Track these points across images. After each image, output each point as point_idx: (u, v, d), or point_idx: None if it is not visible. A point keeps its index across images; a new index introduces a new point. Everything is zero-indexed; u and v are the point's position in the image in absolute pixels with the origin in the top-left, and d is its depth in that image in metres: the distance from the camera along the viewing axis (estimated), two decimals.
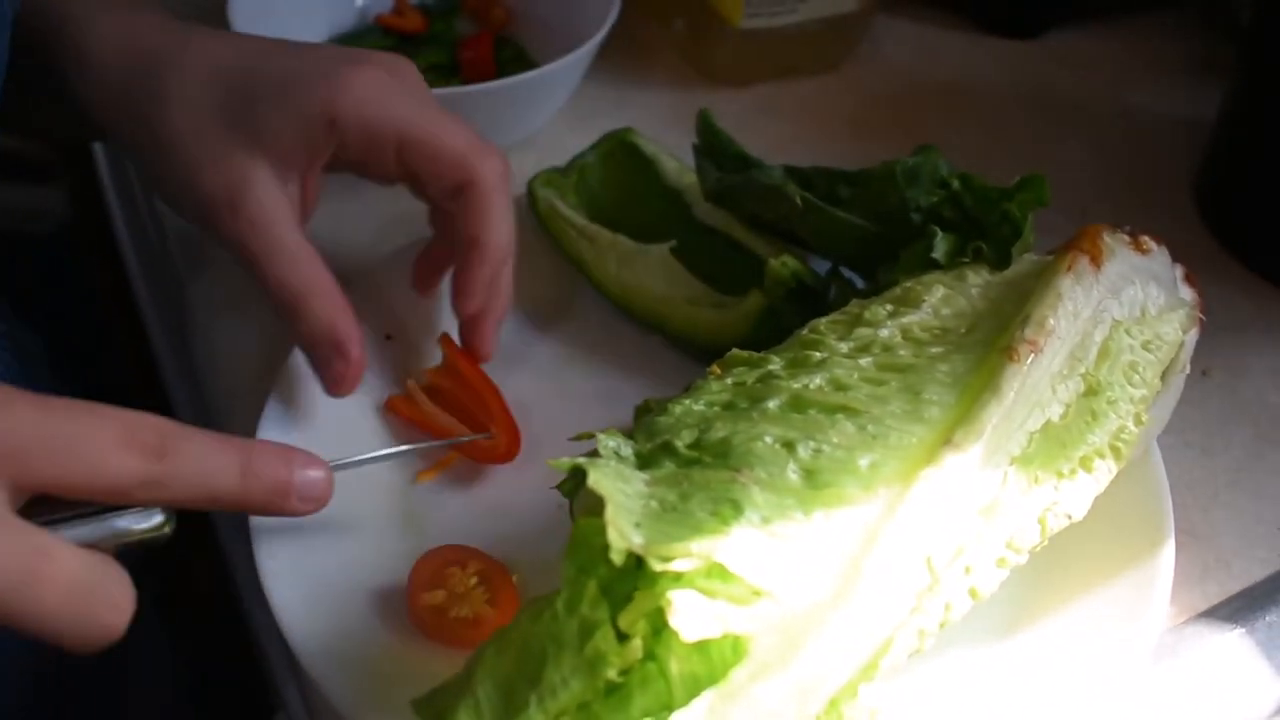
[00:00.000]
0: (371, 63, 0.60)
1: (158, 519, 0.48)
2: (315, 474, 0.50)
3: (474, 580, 0.55)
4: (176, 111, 0.58)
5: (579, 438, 0.49)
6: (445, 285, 0.67)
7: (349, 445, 0.60)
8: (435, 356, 0.67)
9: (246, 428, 0.62)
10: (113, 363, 1.10)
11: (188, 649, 0.85)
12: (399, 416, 0.64)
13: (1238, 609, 0.58)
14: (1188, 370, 0.57)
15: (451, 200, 0.61)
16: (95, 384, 0.69)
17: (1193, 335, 0.58)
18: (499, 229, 0.62)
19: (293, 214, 0.59)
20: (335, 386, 0.60)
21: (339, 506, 0.53)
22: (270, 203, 0.58)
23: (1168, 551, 0.54)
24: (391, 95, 0.59)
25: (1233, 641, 0.57)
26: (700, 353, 0.66)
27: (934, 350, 0.52)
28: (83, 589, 0.42)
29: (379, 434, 0.64)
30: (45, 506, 0.44)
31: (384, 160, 0.60)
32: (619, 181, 0.76)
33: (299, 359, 0.63)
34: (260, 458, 0.48)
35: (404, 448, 0.61)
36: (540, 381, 0.68)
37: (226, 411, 0.69)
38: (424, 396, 0.64)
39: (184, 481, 0.46)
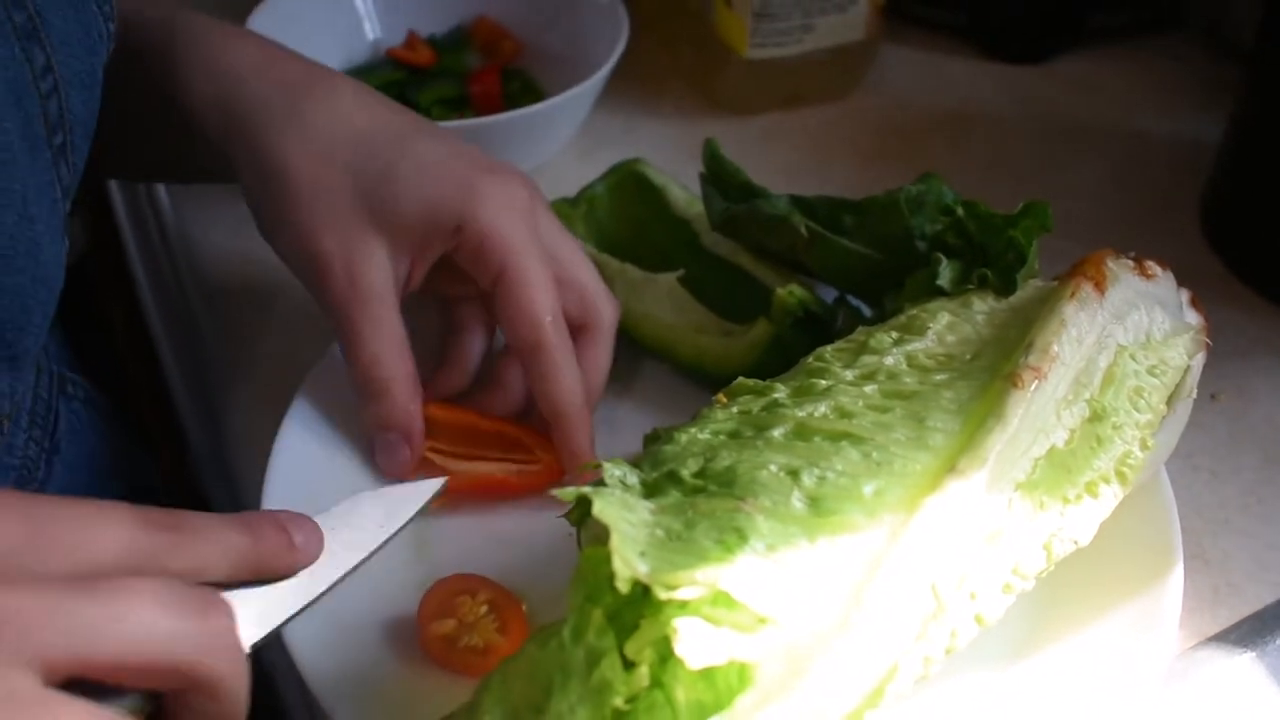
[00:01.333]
0: (508, 174, 0.61)
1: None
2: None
3: (484, 609, 0.56)
4: (305, 153, 0.59)
5: (584, 468, 0.49)
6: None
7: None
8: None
9: (262, 460, 0.62)
10: (135, 401, 1.11)
11: None
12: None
13: (1248, 633, 0.58)
14: (1194, 394, 0.58)
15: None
16: (138, 431, 0.70)
17: (1199, 359, 0.58)
18: (605, 370, 0.64)
19: (398, 297, 0.60)
20: (395, 470, 0.61)
21: None
22: (383, 281, 0.59)
23: (1177, 576, 0.54)
24: (520, 216, 0.61)
25: (1243, 665, 0.57)
26: (709, 381, 0.66)
27: (939, 377, 0.52)
28: None
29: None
30: None
31: (485, 274, 0.60)
32: (628, 211, 0.77)
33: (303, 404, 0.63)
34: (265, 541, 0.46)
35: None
36: None
37: (242, 439, 0.69)
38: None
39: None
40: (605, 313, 0.64)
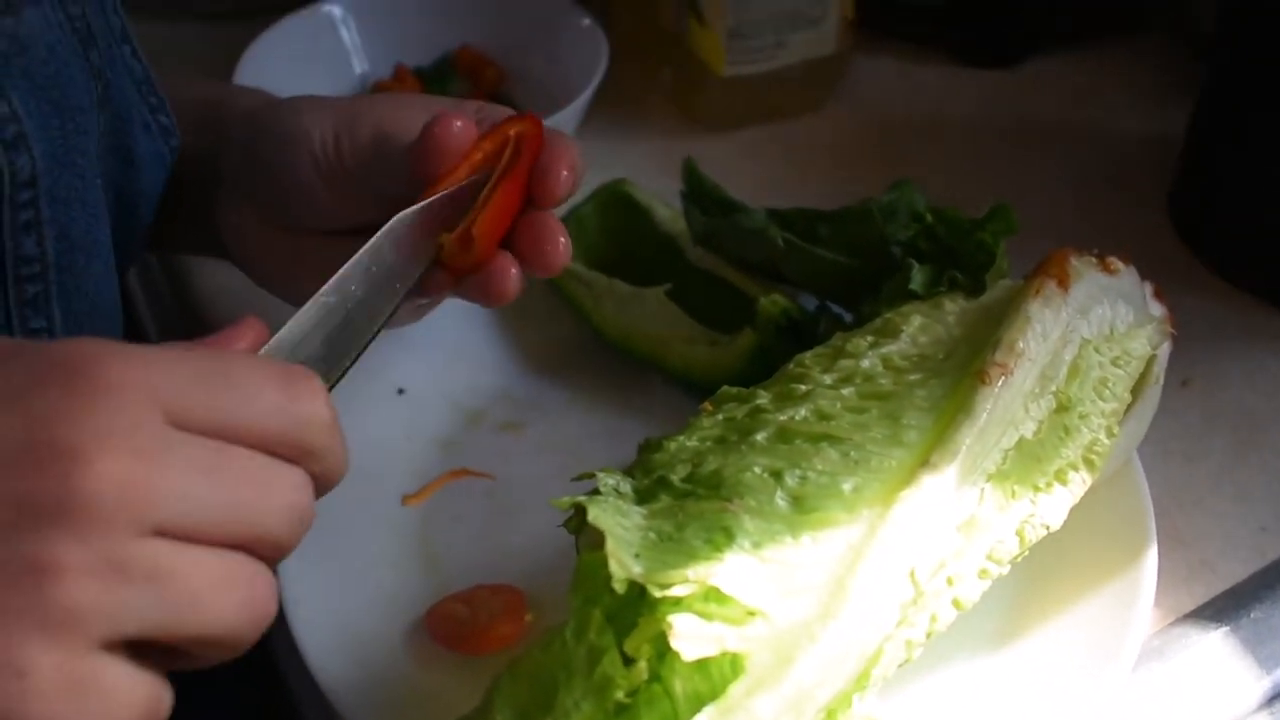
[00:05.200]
0: None
1: None
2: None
3: (485, 594, 0.60)
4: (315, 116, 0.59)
5: (580, 477, 0.52)
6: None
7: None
8: (444, 412, 0.70)
9: None
10: None
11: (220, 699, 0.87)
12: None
13: (1222, 608, 0.61)
14: (1161, 382, 0.60)
15: None
16: None
17: (1165, 349, 0.61)
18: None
19: None
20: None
21: (362, 550, 0.57)
22: None
23: (1151, 557, 0.57)
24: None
25: (1218, 640, 0.59)
26: (697, 389, 0.68)
27: (912, 377, 0.55)
28: None
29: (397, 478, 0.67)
30: None
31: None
32: (615, 230, 0.80)
33: None
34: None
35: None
36: (546, 423, 0.71)
37: None
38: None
39: None
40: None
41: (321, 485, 0.42)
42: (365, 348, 0.49)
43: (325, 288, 0.49)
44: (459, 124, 0.54)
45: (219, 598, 0.37)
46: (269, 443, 0.39)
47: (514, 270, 0.54)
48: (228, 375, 0.39)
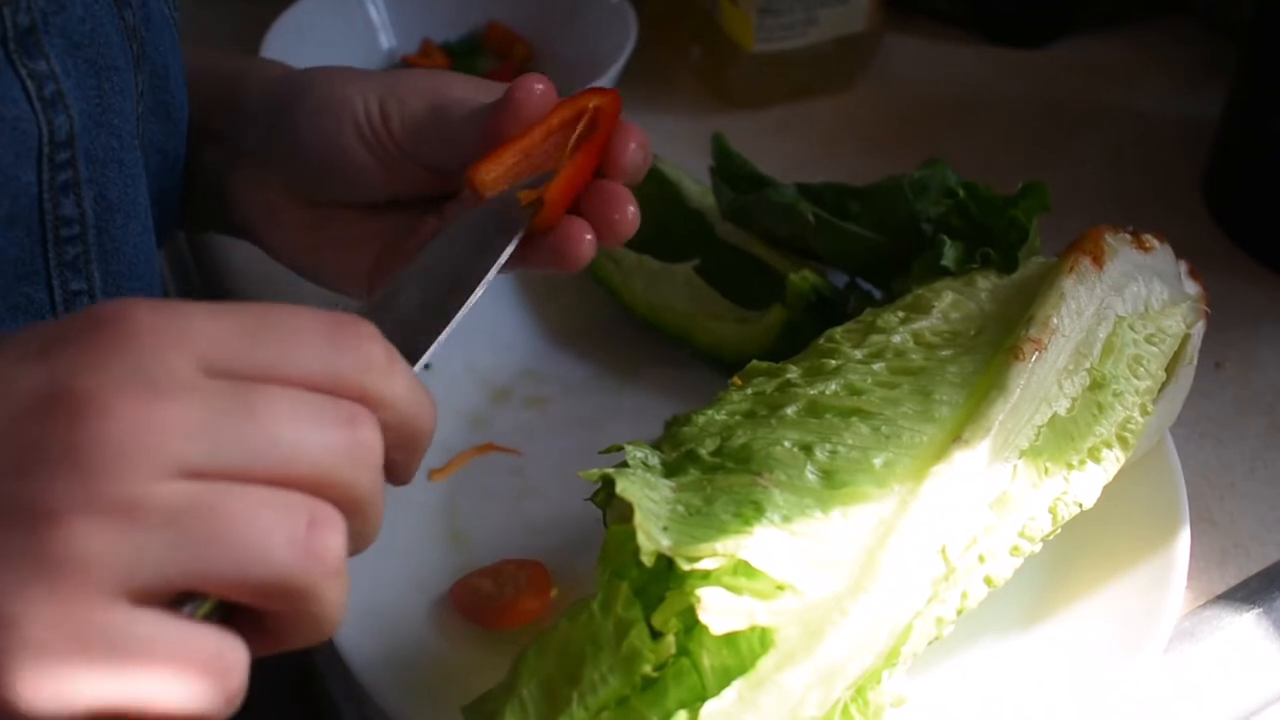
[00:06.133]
0: None
1: None
2: None
3: (511, 569, 0.60)
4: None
5: (608, 450, 0.52)
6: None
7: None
8: (471, 388, 0.70)
9: None
10: None
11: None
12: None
13: (1254, 591, 0.60)
14: (1195, 362, 0.60)
15: None
16: None
17: (1199, 328, 0.60)
18: None
19: None
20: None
21: (388, 524, 0.56)
22: None
23: (1183, 538, 0.56)
24: None
25: (1250, 622, 0.59)
26: (726, 366, 0.68)
27: (944, 353, 0.54)
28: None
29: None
30: None
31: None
32: (643, 205, 0.78)
33: None
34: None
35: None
36: (573, 400, 0.71)
37: None
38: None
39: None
40: None
41: (396, 432, 0.39)
42: (466, 305, 0.48)
43: (426, 247, 0.48)
44: (540, 86, 0.54)
45: (259, 537, 0.34)
46: (318, 387, 0.37)
47: (588, 235, 0.54)
48: (271, 324, 0.37)
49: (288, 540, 0.34)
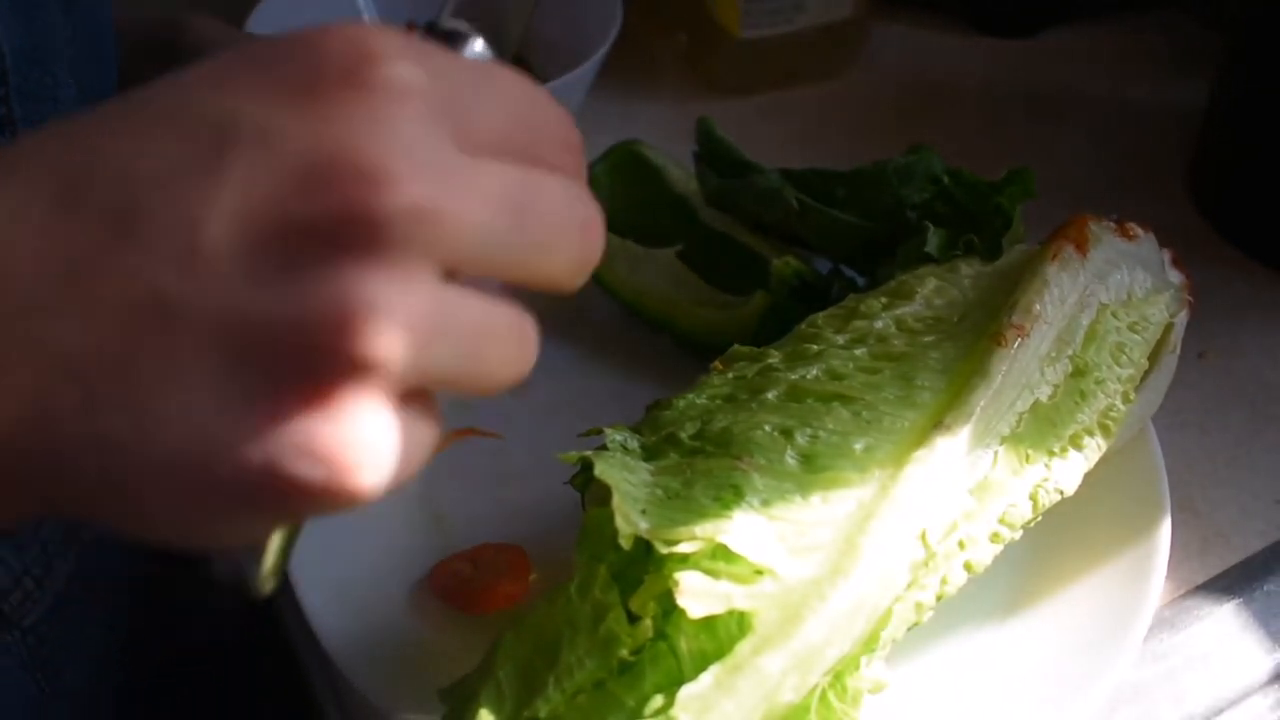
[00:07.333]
0: None
1: None
2: None
3: (489, 554, 0.59)
4: None
5: (588, 434, 0.52)
6: None
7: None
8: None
9: None
10: None
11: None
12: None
13: (1235, 580, 0.60)
14: (1178, 350, 0.59)
15: None
16: None
17: (1182, 317, 0.60)
18: None
19: None
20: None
21: (367, 513, 0.56)
22: None
23: (1164, 527, 0.56)
24: None
25: (1229, 612, 0.59)
26: (708, 352, 0.68)
27: (926, 339, 0.54)
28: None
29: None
30: None
31: None
32: (627, 190, 0.79)
33: None
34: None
35: None
36: (555, 383, 0.70)
37: None
38: None
39: None
40: None
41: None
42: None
43: None
44: None
45: (563, 225, 0.33)
46: (556, 166, 0.34)
47: None
48: (499, 85, 0.34)
49: (507, 359, 0.34)
